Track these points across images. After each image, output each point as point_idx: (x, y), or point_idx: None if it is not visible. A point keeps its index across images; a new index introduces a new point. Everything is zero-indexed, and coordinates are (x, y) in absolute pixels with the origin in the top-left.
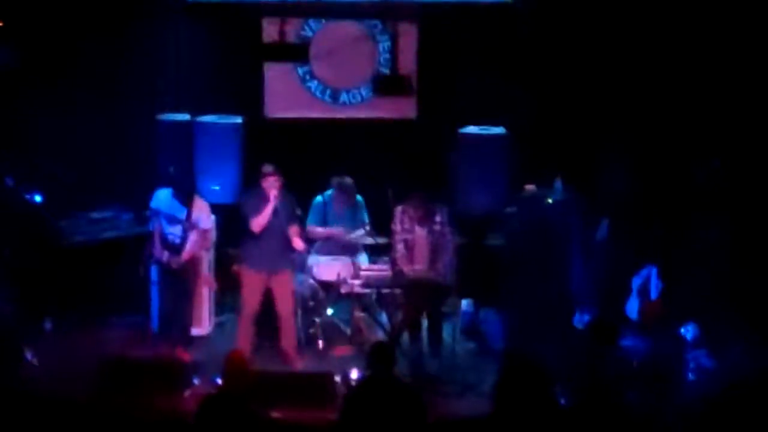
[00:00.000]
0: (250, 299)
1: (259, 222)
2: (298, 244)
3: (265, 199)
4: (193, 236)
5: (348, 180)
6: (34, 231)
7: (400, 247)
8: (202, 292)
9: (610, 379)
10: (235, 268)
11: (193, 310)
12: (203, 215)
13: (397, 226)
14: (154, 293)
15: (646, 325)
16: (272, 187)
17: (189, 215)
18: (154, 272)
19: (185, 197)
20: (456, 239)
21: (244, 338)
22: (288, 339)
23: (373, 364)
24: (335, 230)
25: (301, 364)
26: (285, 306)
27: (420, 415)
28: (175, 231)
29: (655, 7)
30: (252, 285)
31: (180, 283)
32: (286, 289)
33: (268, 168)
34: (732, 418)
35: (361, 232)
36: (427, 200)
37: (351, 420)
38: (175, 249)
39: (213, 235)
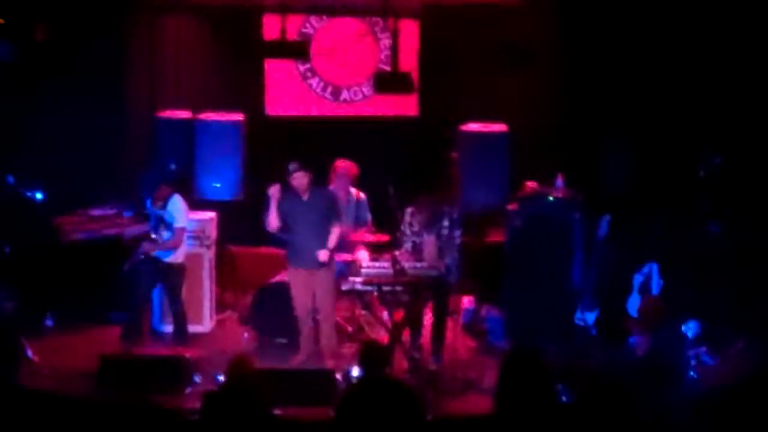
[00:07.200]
0: (299, 298)
1: (268, 221)
2: (331, 241)
3: (294, 197)
4: (163, 233)
5: (340, 163)
6: (35, 228)
7: (407, 245)
8: (203, 290)
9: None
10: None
11: (184, 307)
12: (177, 214)
13: (405, 229)
14: (143, 289)
15: (644, 321)
16: (300, 184)
17: (164, 208)
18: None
19: (164, 194)
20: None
21: (306, 338)
22: (326, 338)
23: (364, 365)
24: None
25: (332, 364)
26: (323, 305)
27: (417, 414)
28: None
29: (656, 3)
30: (297, 283)
31: (167, 281)
32: (324, 288)
33: (292, 165)
34: (733, 415)
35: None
36: (433, 204)
37: (346, 420)
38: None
39: (213, 234)
